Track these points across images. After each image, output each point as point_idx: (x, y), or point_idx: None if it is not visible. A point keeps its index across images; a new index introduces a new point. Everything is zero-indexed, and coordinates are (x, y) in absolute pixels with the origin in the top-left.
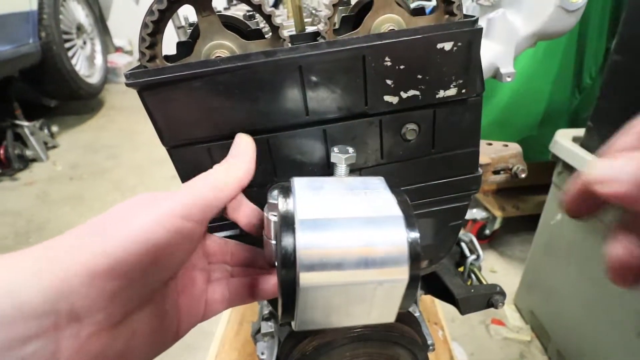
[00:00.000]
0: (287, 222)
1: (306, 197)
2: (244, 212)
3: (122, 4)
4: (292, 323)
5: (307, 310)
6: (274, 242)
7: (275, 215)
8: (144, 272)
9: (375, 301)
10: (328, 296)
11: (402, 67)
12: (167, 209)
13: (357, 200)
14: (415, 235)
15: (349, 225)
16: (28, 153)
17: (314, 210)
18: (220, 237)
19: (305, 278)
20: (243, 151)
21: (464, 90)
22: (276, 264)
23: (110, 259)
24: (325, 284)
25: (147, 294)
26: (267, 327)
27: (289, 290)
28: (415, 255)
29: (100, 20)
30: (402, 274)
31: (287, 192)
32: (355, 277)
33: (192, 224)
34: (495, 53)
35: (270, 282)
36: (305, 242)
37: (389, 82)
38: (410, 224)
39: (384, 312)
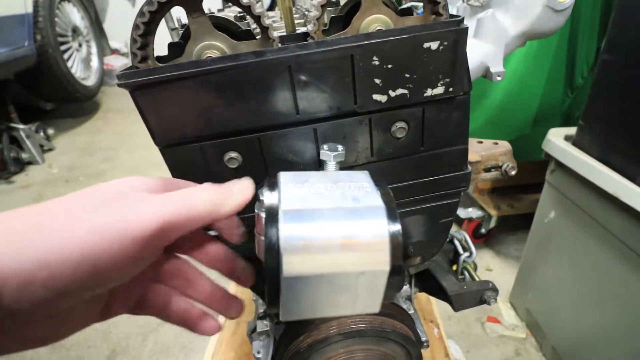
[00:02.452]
0: (272, 214)
1: (291, 189)
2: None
3: (118, 6)
4: (279, 313)
5: (292, 300)
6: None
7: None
8: (85, 287)
9: (359, 291)
10: (311, 285)
11: (389, 66)
12: (134, 231)
13: (341, 192)
14: (397, 226)
15: (332, 216)
16: (24, 156)
17: (297, 201)
18: None
19: (288, 266)
20: (237, 191)
21: (451, 89)
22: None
23: (50, 272)
24: (308, 272)
25: (84, 298)
26: (263, 325)
27: (274, 278)
28: (396, 245)
29: (96, 23)
30: (383, 264)
31: (273, 186)
32: (338, 267)
33: (156, 250)
34: (485, 52)
35: (208, 324)
36: (288, 232)
37: (377, 81)
38: (391, 215)
39: (369, 302)
